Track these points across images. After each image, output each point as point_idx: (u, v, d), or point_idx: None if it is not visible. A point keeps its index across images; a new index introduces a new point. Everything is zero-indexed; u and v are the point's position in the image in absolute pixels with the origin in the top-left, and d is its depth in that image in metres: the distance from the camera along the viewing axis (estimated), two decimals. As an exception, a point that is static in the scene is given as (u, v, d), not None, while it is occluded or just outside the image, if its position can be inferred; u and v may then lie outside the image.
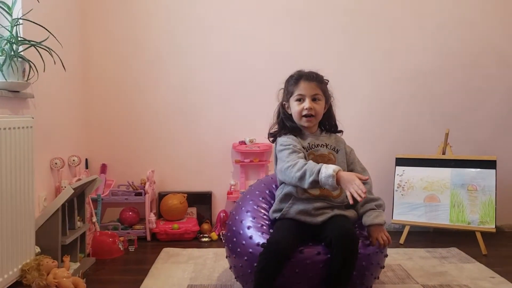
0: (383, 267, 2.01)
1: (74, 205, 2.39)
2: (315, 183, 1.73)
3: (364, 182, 1.68)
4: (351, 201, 1.65)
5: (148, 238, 2.97)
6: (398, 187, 3.03)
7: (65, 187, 2.31)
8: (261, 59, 3.20)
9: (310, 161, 1.79)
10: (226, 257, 2.09)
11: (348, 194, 1.66)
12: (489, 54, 3.22)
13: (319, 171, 1.71)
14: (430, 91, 3.24)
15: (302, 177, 1.75)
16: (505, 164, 3.08)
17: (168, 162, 3.24)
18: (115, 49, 3.16)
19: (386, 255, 2.02)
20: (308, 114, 1.93)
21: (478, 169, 2.88)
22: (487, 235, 2.84)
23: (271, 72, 3.04)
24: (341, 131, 2.09)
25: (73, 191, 2.23)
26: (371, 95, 3.23)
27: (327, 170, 1.70)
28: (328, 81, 2.03)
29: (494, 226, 2.76)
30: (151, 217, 2.96)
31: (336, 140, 2.04)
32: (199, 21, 3.18)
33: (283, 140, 1.94)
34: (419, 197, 2.98)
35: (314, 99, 1.94)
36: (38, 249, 2.16)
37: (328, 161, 1.94)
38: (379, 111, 3.25)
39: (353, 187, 1.64)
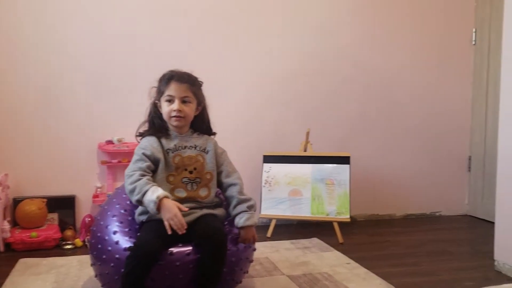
0: (252, 261, 2.09)
1: None
2: (140, 202, 1.77)
3: (184, 212, 1.76)
4: (169, 231, 1.71)
5: (1, 249, 2.69)
6: (265, 183, 3.18)
7: None
8: (132, 56, 3.10)
9: (144, 179, 1.79)
10: (91, 265, 1.98)
11: (166, 224, 1.72)
12: (344, 59, 3.53)
13: (145, 192, 1.74)
14: (293, 93, 3.45)
15: (131, 192, 1.78)
16: (357, 160, 3.41)
17: (25, 165, 2.96)
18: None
19: (255, 249, 2.10)
20: (177, 115, 1.93)
21: (335, 165, 3.15)
22: (343, 224, 3.13)
23: (143, 70, 2.97)
24: (214, 133, 2.11)
25: None
26: (241, 97, 3.34)
27: (152, 195, 1.73)
28: (202, 83, 2.04)
29: (349, 216, 3.05)
30: (5, 225, 2.69)
31: (207, 141, 2.04)
32: (57, 14, 2.96)
33: (141, 142, 1.96)
34: (284, 192, 3.16)
35: (184, 101, 1.94)
36: None
37: (195, 162, 1.96)
38: (249, 112, 3.37)
39: (173, 221, 1.71)
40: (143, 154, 1.88)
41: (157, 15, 3.14)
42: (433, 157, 3.75)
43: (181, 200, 1.88)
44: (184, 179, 1.92)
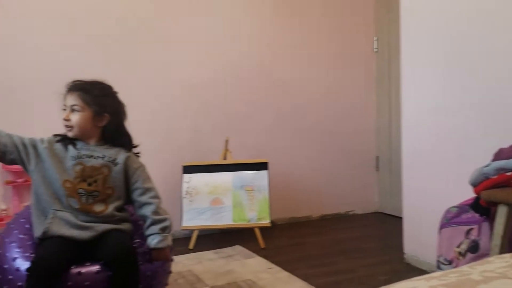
0: (170, 272, 2.04)
1: None
2: None
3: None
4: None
5: None
6: (186, 194, 3.14)
7: None
8: (34, 67, 2.92)
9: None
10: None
11: None
12: (259, 68, 3.61)
13: None
14: (210, 102, 3.46)
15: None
16: (274, 166, 3.49)
17: None
18: None
19: (172, 259, 2.03)
20: (65, 125, 1.85)
21: (254, 171, 3.21)
22: (264, 229, 3.19)
23: (48, 79, 2.80)
24: (132, 146, 1.98)
25: None
26: (156, 107, 3.28)
27: None
28: (110, 91, 1.93)
29: (269, 221, 3.11)
30: None
31: (118, 153, 1.90)
32: None
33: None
34: (206, 201, 3.15)
35: (72, 110, 1.84)
36: None
37: (98, 174, 1.84)
38: (165, 122, 3.33)
39: None
40: (29, 138, 1.84)
41: (60, 22, 2.99)
42: (344, 158, 3.96)
43: (74, 210, 1.79)
44: (80, 190, 1.81)
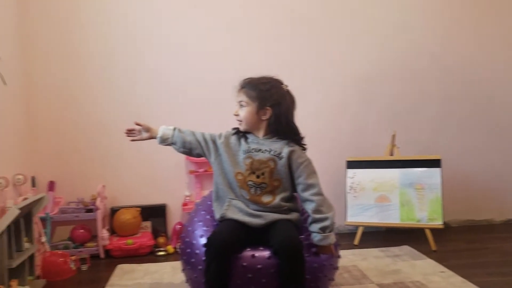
0: (337, 268, 2.04)
1: (21, 225, 2.28)
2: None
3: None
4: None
5: (102, 255, 2.88)
6: (350, 190, 3.10)
7: (10, 208, 2.20)
8: (214, 72, 3.21)
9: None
10: (182, 270, 2.06)
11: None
12: (427, 59, 3.37)
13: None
14: (376, 95, 3.36)
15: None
16: (447, 163, 3.22)
17: (119, 176, 3.16)
18: (59, 60, 3.06)
19: (339, 256, 2.05)
20: (236, 119, 1.99)
21: (424, 168, 3.00)
22: (436, 231, 2.96)
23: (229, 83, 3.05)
24: (297, 138, 1.97)
25: (18, 211, 2.13)
26: (319, 101, 3.31)
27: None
28: (273, 85, 1.95)
29: (442, 223, 2.87)
30: (104, 233, 2.88)
31: (284, 146, 1.94)
32: (150, 21, 3.15)
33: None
34: (371, 198, 3.06)
35: (241, 106, 1.97)
36: (-18, 275, 2.04)
37: (265, 167, 1.92)
38: (329, 116, 3.33)
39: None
40: (210, 134, 2.03)
41: (238, 26, 3.23)
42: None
43: (246, 200, 1.93)
44: (250, 182, 1.92)
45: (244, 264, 1.78)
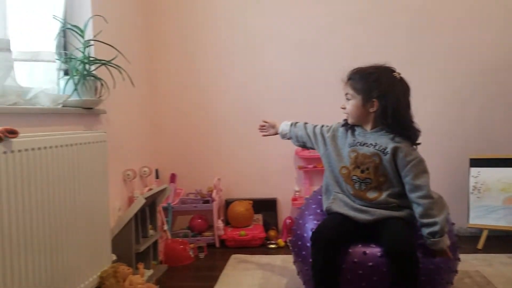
0: (456, 271, 1.90)
1: (146, 214, 2.49)
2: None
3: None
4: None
5: (217, 244, 3.03)
6: (473, 190, 2.87)
7: (137, 197, 2.41)
8: (323, 63, 3.18)
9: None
10: (293, 262, 2.08)
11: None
12: None
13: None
14: (503, 87, 3.05)
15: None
16: None
17: (233, 170, 3.29)
18: (180, 61, 3.27)
19: (458, 259, 1.92)
20: (344, 113, 1.96)
21: None
22: None
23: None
24: (407, 132, 1.82)
25: (145, 201, 2.32)
26: (440, 95, 3.10)
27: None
28: (380, 76, 1.82)
29: None
30: (219, 224, 3.02)
31: (389, 141, 1.81)
32: (269, 20, 3.21)
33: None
34: (497, 199, 2.80)
35: (347, 99, 1.92)
36: (114, 257, 2.26)
37: (369, 162, 1.84)
38: (450, 110, 3.11)
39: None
40: (322, 125, 2.07)
41: (350, 20, 3.15)
42: None
43: (350, 195, 1.89)
44: (354, 177, 1.87)
45: (355, 260, 1.75)
